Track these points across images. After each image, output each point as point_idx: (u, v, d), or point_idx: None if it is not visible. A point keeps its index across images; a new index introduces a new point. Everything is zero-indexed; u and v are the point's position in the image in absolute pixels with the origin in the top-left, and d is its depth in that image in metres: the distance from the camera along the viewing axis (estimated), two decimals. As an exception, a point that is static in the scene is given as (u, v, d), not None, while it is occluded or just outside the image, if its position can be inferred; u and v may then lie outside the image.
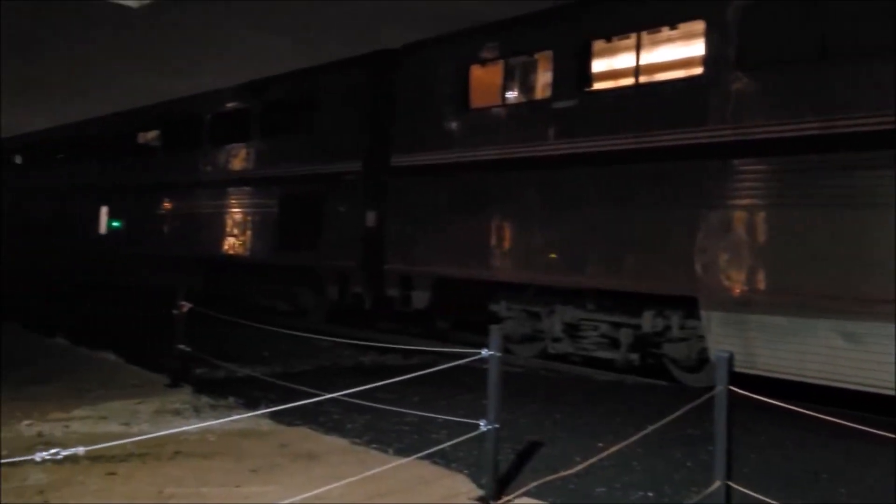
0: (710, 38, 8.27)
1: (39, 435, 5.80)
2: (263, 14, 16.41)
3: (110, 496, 4.52)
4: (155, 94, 19.67)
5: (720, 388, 4.45)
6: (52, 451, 3.08)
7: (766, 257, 7.67)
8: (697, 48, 8.59)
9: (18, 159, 27.52)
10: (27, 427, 6.00)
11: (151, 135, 20.43)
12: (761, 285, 7.72)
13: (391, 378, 6.18)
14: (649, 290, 8.69)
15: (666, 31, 9.03)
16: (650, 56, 9.32)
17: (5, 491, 4.49)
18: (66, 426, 6.09)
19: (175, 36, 18.21)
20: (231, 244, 16.03)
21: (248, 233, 15.54)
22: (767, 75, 7.81)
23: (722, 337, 7.84)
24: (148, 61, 20.37)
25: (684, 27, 8.81)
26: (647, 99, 8.78)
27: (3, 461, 4.88)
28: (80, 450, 3.26)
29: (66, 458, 3.57)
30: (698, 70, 8.50)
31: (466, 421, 5.24)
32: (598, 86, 9.65)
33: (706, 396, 4.81)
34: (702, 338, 8.38)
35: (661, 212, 8.51)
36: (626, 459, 5.68)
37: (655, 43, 9.29)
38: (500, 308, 10.69)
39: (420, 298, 11.41)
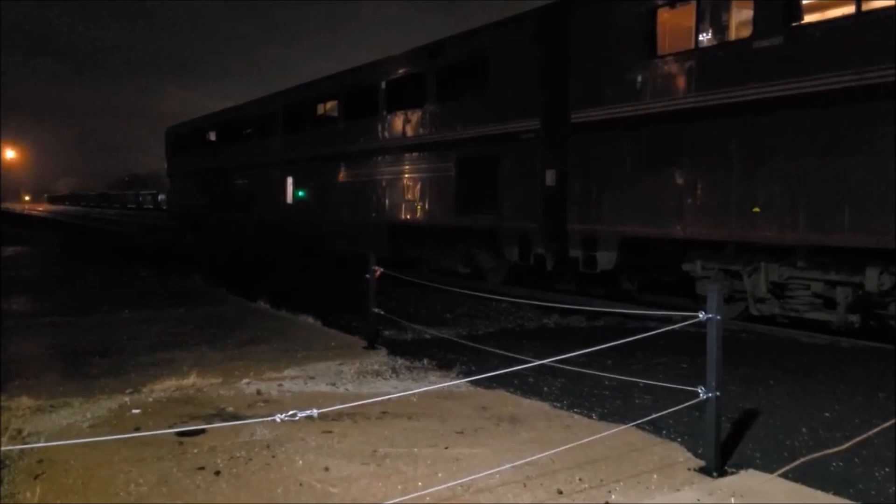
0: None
1: (258, 393, 6.16)
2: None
3: (330, 452, 4.68)
4: (299, 73, 20.29)
5: None
6: (290, 413, 3.17)
7: None
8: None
9: (213, 136, 29.69)
10: (246, 385, 6.39)
11: (330, 105, 21.21)
12: None
13: (581, 341, 5.97)
14: (876, 245, 7.79)
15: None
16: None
17: (237, 445, 4.77)
18: (280, 385, 6.42)
19: (311, 15, 18.58)
20: (410, 208, 16.34)
21: (427, 197, 15.74)
22: None
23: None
24: (289, 40, 21.02)
25: None
26: (873, 28, 7.76)
27: (236, 423, 5.24)
28: (314, 412, 3.34)
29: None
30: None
31: (679, 388, 4.93)
32: (808, 18, 8.69)
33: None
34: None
35: (891, 155, 7.55)
36: (861, 433, 5.13)
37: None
38: (693, 267, 10.09)
39: (605, 259, 11.01)
